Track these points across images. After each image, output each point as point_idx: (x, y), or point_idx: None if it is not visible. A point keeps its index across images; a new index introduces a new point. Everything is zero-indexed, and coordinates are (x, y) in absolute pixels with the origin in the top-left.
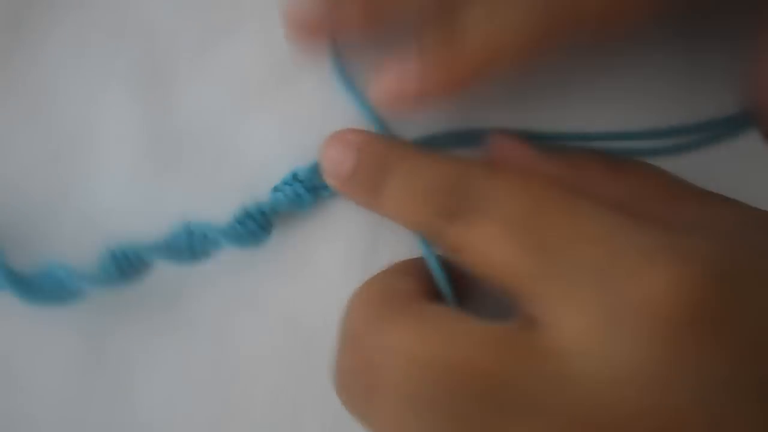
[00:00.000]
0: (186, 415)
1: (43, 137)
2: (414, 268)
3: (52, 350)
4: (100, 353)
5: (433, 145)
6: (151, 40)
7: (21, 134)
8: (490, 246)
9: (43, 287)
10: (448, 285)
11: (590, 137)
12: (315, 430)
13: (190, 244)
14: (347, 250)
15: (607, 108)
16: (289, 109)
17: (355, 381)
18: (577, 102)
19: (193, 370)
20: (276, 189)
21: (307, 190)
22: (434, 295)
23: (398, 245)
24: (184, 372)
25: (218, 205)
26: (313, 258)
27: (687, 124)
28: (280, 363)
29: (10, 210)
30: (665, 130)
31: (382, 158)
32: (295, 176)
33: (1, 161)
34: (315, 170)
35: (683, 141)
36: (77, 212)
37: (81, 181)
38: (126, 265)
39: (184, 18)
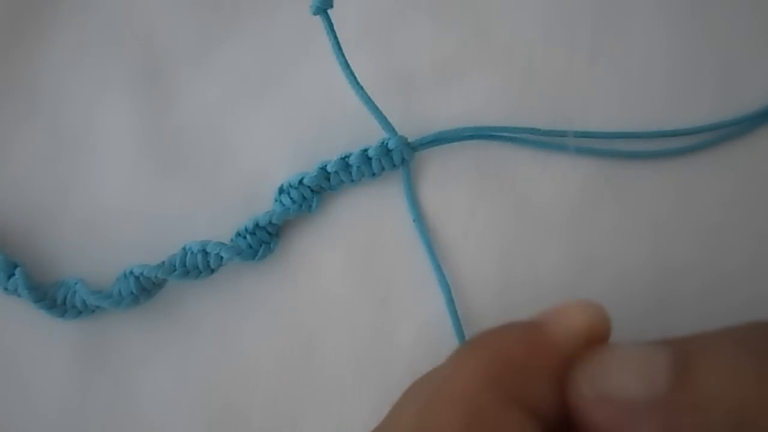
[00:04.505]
0: (186, 415)
1: (43, 137)
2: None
3: (53, 350)
4: (101, 353)
5: (438, 142)
6: (151, 41)
7: (21, 134)
8: None
9: (60, 300)
10: None
11: (593, 135)
12: (315, 430)
13: (205, 264)
14: (347, 253)
15: (609, 108)
16: (288, 109)
17: None
18: (579, 101)
19: (194, 370)
20: (281, 190)
21: (313, 193)
22: None
23: (398, 249)
24: (184, 372)
25: (218, 204)
26: (312, 260)
27: (691, 126)
28: (280, 363)
29: (10, 210)
30: (671, 131)
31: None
32: (301, 181)
33: (1, 161)
34: (321, 173)
35: (687, 142)
36: (77, 212)
37: (81, 181)
38: (142, 288)
39: (184, 18)
